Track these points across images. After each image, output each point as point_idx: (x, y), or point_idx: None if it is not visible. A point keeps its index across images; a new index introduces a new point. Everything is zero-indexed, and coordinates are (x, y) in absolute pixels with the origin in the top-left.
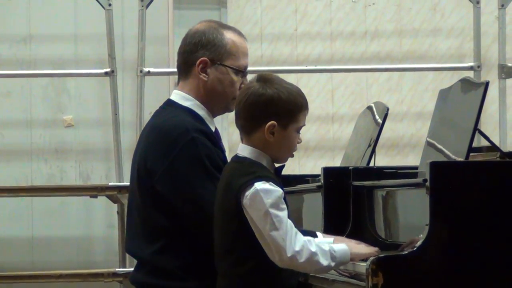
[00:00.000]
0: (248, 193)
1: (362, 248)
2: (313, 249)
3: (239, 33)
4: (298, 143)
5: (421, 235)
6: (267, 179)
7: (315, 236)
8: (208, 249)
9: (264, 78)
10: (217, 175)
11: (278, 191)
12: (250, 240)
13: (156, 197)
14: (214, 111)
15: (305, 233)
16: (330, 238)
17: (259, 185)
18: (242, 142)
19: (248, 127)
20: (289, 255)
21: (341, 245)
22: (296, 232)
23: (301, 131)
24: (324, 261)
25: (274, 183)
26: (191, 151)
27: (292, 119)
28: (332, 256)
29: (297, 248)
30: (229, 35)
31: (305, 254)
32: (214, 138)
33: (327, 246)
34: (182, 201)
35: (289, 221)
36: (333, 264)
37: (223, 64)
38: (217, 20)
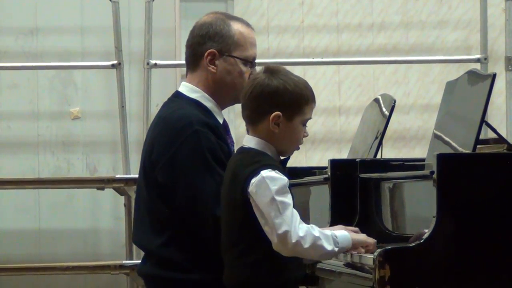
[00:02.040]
0: (254, 180)
1: (361, 235)
2: (316, 234)
3: (247, 24)
4: (305, 136)
5: (426, 230)
6: (272, 167)
7: None
8: (212, 241)
9: (271, 70)
10: (218, 169)
11: (283, 179)
12: (257, 231)
13: (159, 188)
14: (224, 103)
15: None
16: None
17: (265, 173)
18: (248, 133)
19: (254, 118)
20: (293, 241)
21: (342, 231)
22: (300, 220)
23: (308, 123)
24: (328, 246)
25: (279, 172)
26: (193, 144)
27: (298, 111)
28: (335, 241)
29: (301, 234)
30: (236, 26)
31: (309, 239)
32: (220, 131)
33: (328, 232)
34: (181, 193)
35: (294, 209)
36: (336, 249)
37: (231, 55)
38: (224, 12)
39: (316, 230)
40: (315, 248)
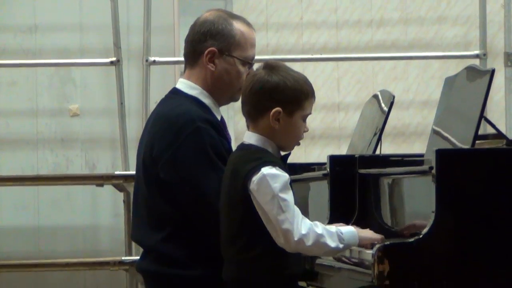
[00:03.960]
0: (255, 178)
1: (368, 232)
2: (320, 231)
3: (248, 24)
4: (305, 131)
5: (426, 223)
6: (273, 164)
7: None
8: (213, 237)
9: (270, 66)
10: (221, 165)
11: (284, 175)
12: (257, 226)
13: (160, 185)
14: (220, 101)
15: None
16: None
17: (265, 170)
18: (248, 130)
19: (254, 114)
20: (296, 239)
21: (348, 228)
22: (303, 216)
23: (307, 120)
24: (332, 243)
25: (280, 168)
26: (195, 140)
27: (298, 106)
28: (340, 238)
29: (303, 232)
30: (238, 26)
31: (312, 236)
32: (220, 127)
33: (334, 229)
34: (184, 189)
35: (296, 206)
36: (341, 246)
37: (231, 55)
38: (225, 10)
39: (319, 227)
40: (318, 245)
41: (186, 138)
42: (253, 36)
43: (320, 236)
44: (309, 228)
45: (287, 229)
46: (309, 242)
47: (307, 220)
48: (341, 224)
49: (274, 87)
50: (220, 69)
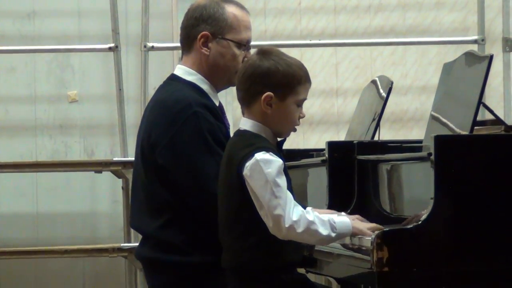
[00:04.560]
0: (249, 163)
1: (362, 223)
2: (311, 218)
3: (241, 7)
4: (301, 117)
5: (425, 210)
6: (267, 149)
7: None
8: (212, 223)
9: (264, 51)
10: (218, 150)
11: (278, 161)
12: (253, 214)
13: (158, 171)
14: (217, 85)
15: None
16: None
17: (259, 156)
18: (244, 116)
19: (247, 99)
20: (287, 225)
21: (342, 217)
22: (295, 203)
23: (304, 105)
24: (324, 231)
25: (274, 154)
26: (193, 125)
27: (290, 91)
28: (332, 226)
29: (294, 218)
30: (230, 9)
31: (303, 223)
32: (218, 113)
33: (326, 217)
34: (182, 174)
35: (288, 192)
36: (333, 234)
37: (225, 38)
38: None
39: (311, 214)
40: (309, 232)
41: (183, 124)
42: (246, 18)
43: (311, 223)
44: (300, 215)
45: (279, 215)
46: (300, 228)
47: (299, 207)
48: (335, 212)
49: (265, 72)
50: (214, 52)
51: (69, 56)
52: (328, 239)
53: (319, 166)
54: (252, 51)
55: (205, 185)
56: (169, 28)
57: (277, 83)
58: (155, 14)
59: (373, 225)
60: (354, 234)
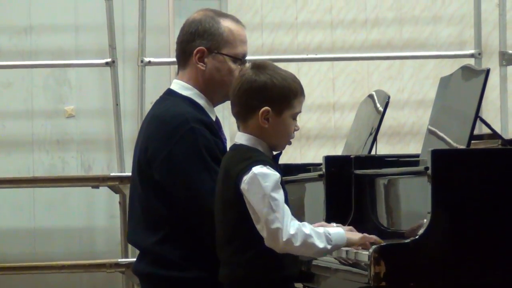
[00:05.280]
0: (246, 177)
1: (356, 234)
2: (308, 231)
3: (237, 21)
4: (296, 130)
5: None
6: (264, 163)
7: None
8: (209, 238)
9: (258, 65)
10: (215, 166)
11: (275, 174)
12: (251, 228)
13: (155, 186)
14: (214, 100)
15: None
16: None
17: (256, 169)
18: (239, 130)
19: (243, 114)
20: (284, 239)
21: (336, 229)
22: (292, 217)
23: (302, 120)
24: (320, 243)
25: (271, 167)
26: (189, 141)
27: (287, 105)
28: (328, 238)
29: (292, 232)
30: (226, 23)
31: (300, 237)
32: (214, 128)
33: (321, 229)
34: (178, 190)
35: (286, 206)
36: (329, 246)
37: (220, 53)
38: (214, 9)
39: (307, 228)
40: (306, 245)
41: (180, 139)
42: (242, 33)
43: (308, 236)
44: (297, 229)
45: (277, 229)
46: (297, 242)
47: (295, 221)
48: (326, 224)
49: (262, 86)
50: (210, 67)
51: (66, 71)
52: (324, 252)
53: (316, 181)
54: (247, 65)
55: (202, 201)
56: (166, 43)
57: (273, 98)
58: (152, 29)
59: (365, 235)
60: (348, 245)
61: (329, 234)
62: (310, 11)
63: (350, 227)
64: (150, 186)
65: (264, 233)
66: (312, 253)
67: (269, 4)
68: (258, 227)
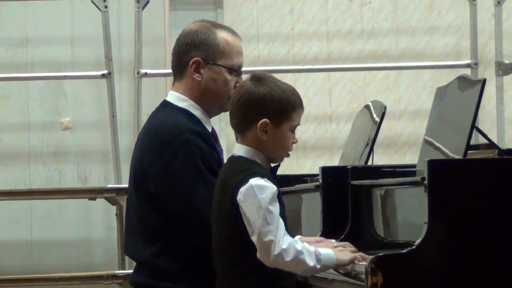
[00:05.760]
0: (243, 189)
1: (346, 254)
2: (299, 247)
3: (233, 32)
4: (294, 143)
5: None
6: (261, 175)
7: None
8: (205, 250)
9: (257, 77)
10: (211, 178)
11: (272, 187)
12: (247, 239)
13: (151, 198)
14: (210, 111)
15: None
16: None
17: (253, 181)
18: (237, 142)
19: (242, 126)
20: (275, 253)
21: (327, 250)
22: (285, 232)
23: (298, 131)
24: (310, 262)
25: (268, 180)
26: (185, 153)
27: (285, 117)
28: (318, 258)
29: (284, 246)
30: (222, 35)
31: (292, 252)
32: (210, 140)
33: (312, 248)
34: (174, 201)
35: (280, 219)
36: (318, 266)
37: (216, 64)
38: (210, 20)
39: (299, 244)
40: (297, 262)
41: (175, 151)
42: (238, 44)
43: (299, 252)
44: (289, 243)
45: (270, 241)
46: (288, 257)
47: (288, 236)
48: (324, 239)
49: (261, 98)
50: (206, 78)
51: (62, 83)
52: (313, 270)
53: (313, 192)
54: (244, 76)
55: (198, 213)
56: (162, 55)
57: (272, 110)
58: (148, 40)
59: (356, 256)
60: (337, 266)
61: (320, 254)
62: (306, 22)
63: (345, 243)
64: (146, 197)
65: (257, 245)
66: (301, 270)
67: (265, 15)
68: (253, 238)
